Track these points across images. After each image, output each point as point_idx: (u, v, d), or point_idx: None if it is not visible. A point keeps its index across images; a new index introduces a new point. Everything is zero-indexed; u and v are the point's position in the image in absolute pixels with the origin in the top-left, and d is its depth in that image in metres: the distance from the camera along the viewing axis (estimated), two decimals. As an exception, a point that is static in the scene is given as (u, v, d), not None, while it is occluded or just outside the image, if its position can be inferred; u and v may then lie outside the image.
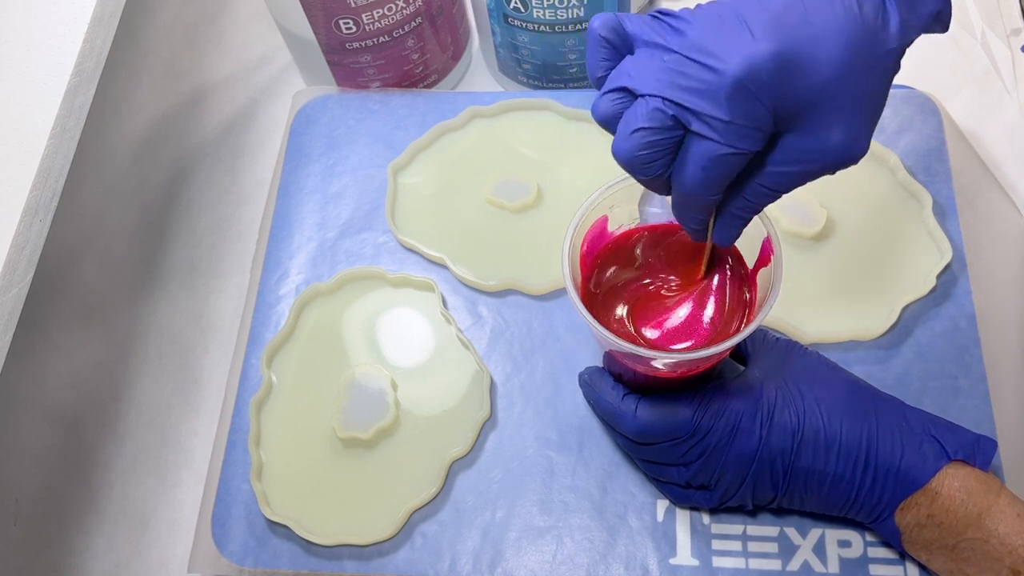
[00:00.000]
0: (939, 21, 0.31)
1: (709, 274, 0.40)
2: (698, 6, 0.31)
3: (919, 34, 0.31)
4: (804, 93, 0.29)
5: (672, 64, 0.29)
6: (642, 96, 0.29)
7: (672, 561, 0.44)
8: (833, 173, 0.31)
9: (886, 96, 0.31)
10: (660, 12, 0.31)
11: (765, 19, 0.28)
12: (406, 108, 0.59)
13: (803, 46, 0.28)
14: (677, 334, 0.40)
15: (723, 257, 0.41)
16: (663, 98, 0.29)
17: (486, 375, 0.48)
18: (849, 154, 0.30)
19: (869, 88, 0.30)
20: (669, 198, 0.34)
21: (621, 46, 0.31)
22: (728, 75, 0.28)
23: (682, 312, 0.41)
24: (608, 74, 0.31)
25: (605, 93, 0.31)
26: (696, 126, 0.29)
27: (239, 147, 0.63)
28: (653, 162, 0.30)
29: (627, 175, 0.34)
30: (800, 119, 0.30)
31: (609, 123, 0.31)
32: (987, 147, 0.56)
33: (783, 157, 0.30)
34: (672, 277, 0.42)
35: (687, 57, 0.29)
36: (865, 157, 0.53)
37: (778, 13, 0.29)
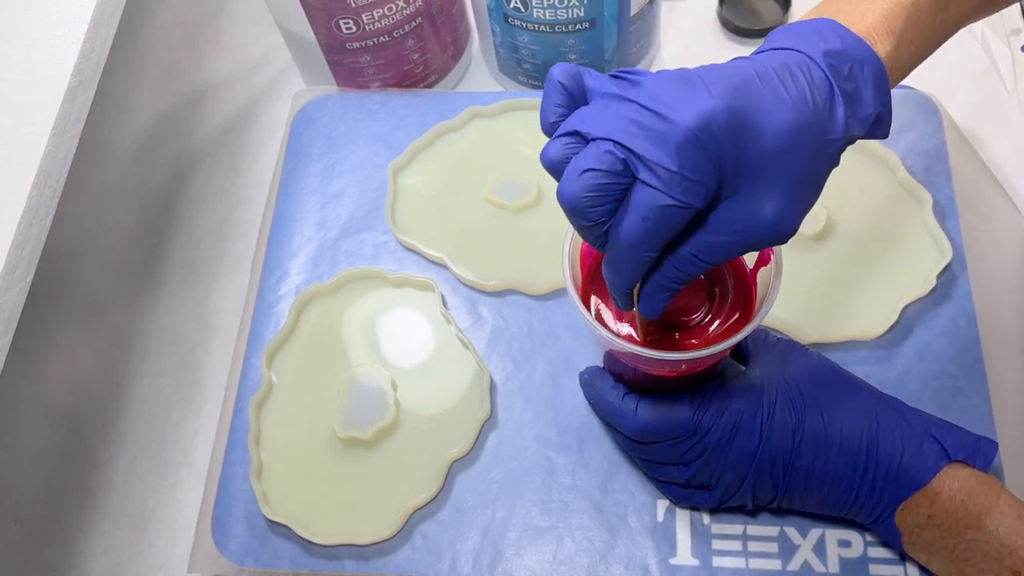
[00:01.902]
0: (879, 126, 0.33)
1: (648, 338, 0.39)
2: (659, 71, 0.31)
3: (862, 134, 0.32)
4: (750, 157, 0.29)
5: (627, 112, 0.29)
6: (594, 140, 0.29)
7: (672, 561, 0.44)
8: (757, 249, 0.32)
9: (820, 187, 0.32)
10: (621, 72, 0.31)
11: (723, 84, 0.29)
12: (406, 108, 0.59)
13: (756, 112, 0.29)
14: (677, 333, 0.40)
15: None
16: (615, 142, 0.29)
17: (486, 375, 0.48)
18: (778, 228, 0.30)
19: (809, 170, 0.31)
20: None
21: (578, 95, 0.32)
22: (681, 125, 0.28)
23: (682, 311, 0.41)
24: (561, 120, 0.31)
25: (557, 137, 0.31)
26: (643, 174, 0.29)
27: (239, 147, 0.63)
28: (597, 207, 0.30)
29: None
30: (739, 185, 0.30)
31: (556, 168, 0.31)
32: (987, 147, 0.56)
33: (716, 225, 0.30)
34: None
35: (642, 106, 0.29)
36: (865, 157, 0.54)
37: (736, 83, 0.29)
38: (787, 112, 0.30)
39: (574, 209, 0.30)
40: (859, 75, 0.32)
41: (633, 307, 0.35)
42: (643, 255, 0.30)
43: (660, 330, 0.40)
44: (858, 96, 0.32)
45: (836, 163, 0.32)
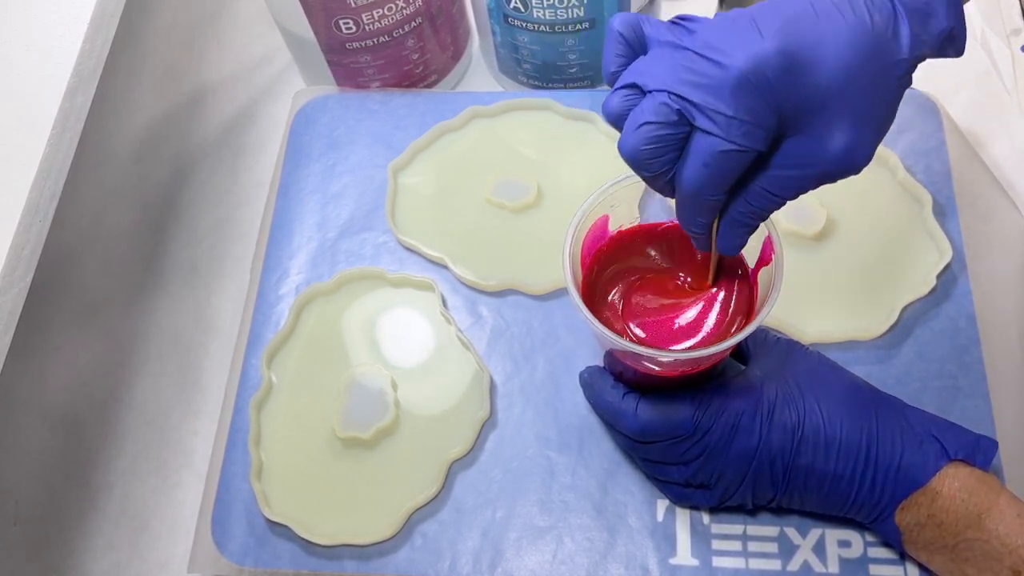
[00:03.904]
0: (952, 43, 0.31)
1: (717, 283, 0.40)
2: (718, 14, 0.31)
3: (933, 53, 0.31)
4: (809, 94, 0.29)
5: (682, 60, 0.29)
6: (650, 92, 0.30)
7: (672, 561, 0.44)
8: (834, 181, 0.31)
9: (895, 108, 0.31)
10: (680, 18, 0.31)
11: (775, 22, 0.29)
12: (406, 108, 0.59)
13: (810, 47, 0.29)
14: (677, 333, 0.40)
15: (726, 259, 0.41)
16: (669, 92, 0.29)
17: (486, 375, 0.48)
18: (850, 161, 0.30)
19: (876, 96, 0.30)
20: (669, 200, 0.34)
21: (637, 45, 0.32)
22: (733, 69, 0.28)
23: (682, 311, 0.41)
24: (621, 71, 0.31)
25: (617, 90, 0.31)
26: (700, 121, 0.29)
27: (239, 147, 0.63)
28: (657, 158, 0.30)
29: (627, 174, 0.34)
30: (803, 121, 0.30)
31: (618, 120, 0.31)
32: (987, 147, 0.56)
33: (784, 160, 0.30)
34: (673, 276, 0.42)
35: (696, 53, 0.29)
36: (865, 157, 0.54)
37: (789, 18, 0.29)
38: (844, 42, 0.29)
39: (635, 162, 0.31)
40: None
41: (710, 246, 0.35)
42: (709, 199, 0.31)
43: (643, 315, 0.40)
44: (929, 11, 0.30)
45: (908, 83, 0.31)
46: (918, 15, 0.30)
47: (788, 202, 0.32)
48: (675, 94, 0.29)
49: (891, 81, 0.30)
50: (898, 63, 0.30)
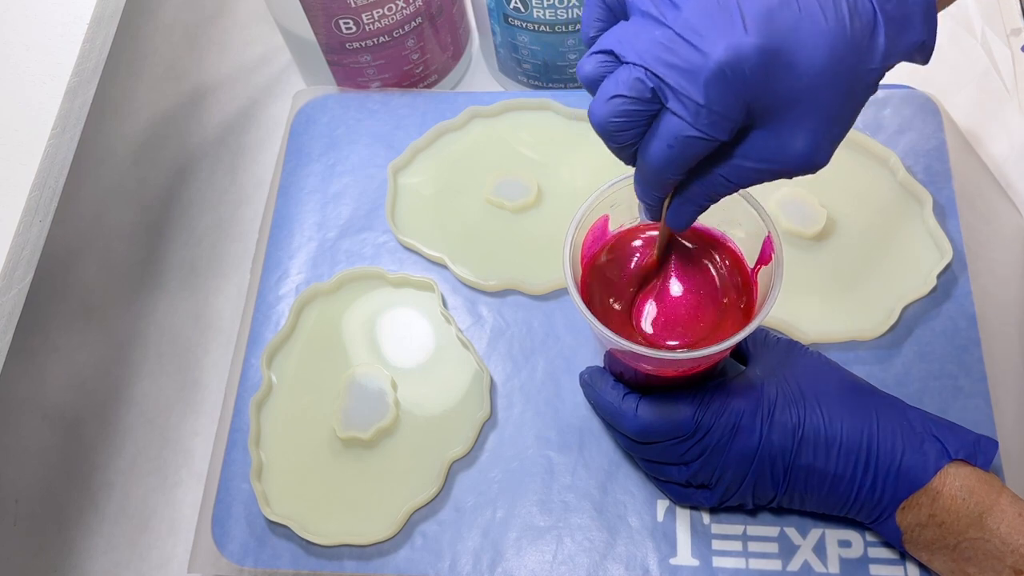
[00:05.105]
0: (921, 52, 0.32)
1: (664, 259, 0.40)
2: None
3: (900, 60, 0.31)
4: (780, 92, 0.29)
5: (661, 38, 0.29)
6: (626, 63, 0.30)
7: (672, 561, 0.44)
8: (791, 177, 0.31)
9: (856, 115, 0.31)
10: None
11: (759, 12, 0.29)
12: (406, 108, 0.59)
13: (789, 46, 0.29)
14: (678, 333, 0.40)
15: (721, 256, 0.41)
16: (646, 69, 0.29)
17: (486, 375, 0.48)
18: (811, 162, 0.31)
19: (844, 102, 0.30)
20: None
21: (618, 9, 0.32)
22: (712, 59, 0.28)
23: (683, 311, 0.41)
24: (599, 35, 0.32)
25: (593, 53, 0.31)
26: (672, 103, 0.29)
27: (239, 147, 0.63)
28: (625, 131, 0.31)
29: (627, 174, 0.34)
30: (771, 117, 0.30)
31: (592, 84, 0.31)
32: (987, 147, 0.56)
33: (747, 152, 0.31)
34: (673, 276, 0.42)
35: (677, 33, 0.29)
36: (865, 157, 0.54)
37: (772, 9, 0.29)
38: (823, 46, 0.29)
39: (603, 131, 0.31)
40: None
41: (660, 217, 0.35)
42: (669, 177, 0.31)
43: (644, 316, 0.41)
44: (906, 22, 0.30)
45: (874, 91, 0.31)
46: (895, 24, 0.30)
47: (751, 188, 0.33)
48: (651, 71, 0.29)
49: (860, 88, 0.31)
50: (870, 71, 0.30)
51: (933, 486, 0.38)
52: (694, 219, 0.34)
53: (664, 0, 0.30)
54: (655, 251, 0.40)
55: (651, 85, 0.29)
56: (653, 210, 0.35)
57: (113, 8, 0.49)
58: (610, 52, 0.30)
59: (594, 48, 0.31)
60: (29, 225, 0.42)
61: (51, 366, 0.55)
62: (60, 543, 0.49)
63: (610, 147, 0.32)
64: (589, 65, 0.31)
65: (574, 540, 0.44)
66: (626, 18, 0.31)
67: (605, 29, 0.32)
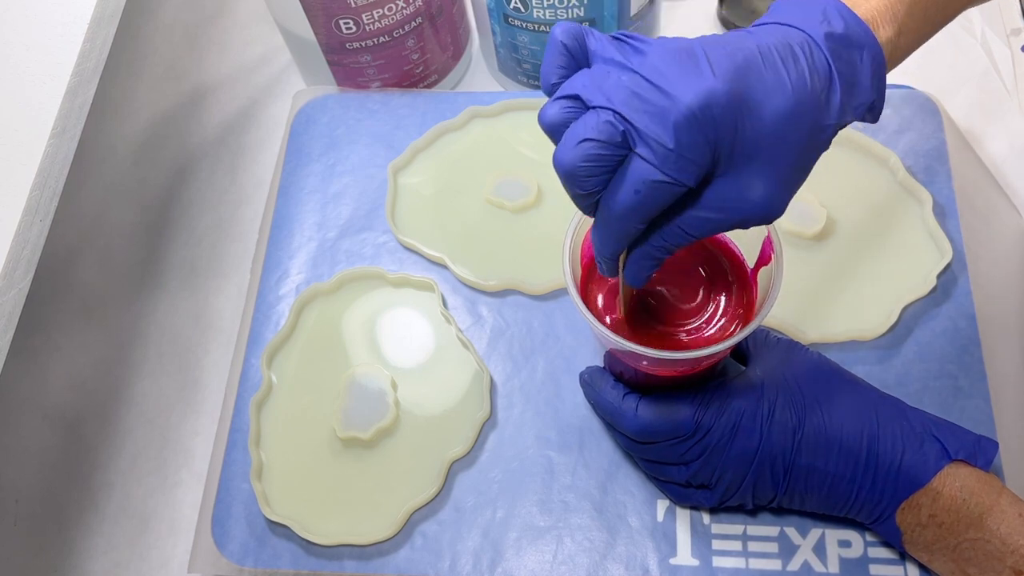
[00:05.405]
0: (871, 112, 0.33)
1: (630, 313, 0.40)
2: (661, 37, 0.31)
3: (852, 119, 0.32)
4: (745, 139, 0.29)
5: (629, 82, 0.29)
6: (594, 107, 0.29)
7: (672, 561, 0.44)
8: (746, 227, 0.32)
9: (810, 169, 0.32)
10: (624, 35, 0.31)
11: (726, 63, 0.29)
12: (406, 108, 0.59)
13: (756, 93, 0.29)
14: (678, 333, 0.40)
15: (722, 258, 0.41)
16: (615, 112, 0.29)
17: (486, 375, 0.48)
18: (768, 211, 0.31)
19: (801, 154, 0.31)
20: None
21: (580, 57, 0.31)
22: (682, 103, 0.28)
23: (683, 311, 0.41)
24: (562, 82, 0.31)
25: (557, 99, 0.31)
26: (640, 148, 0.29)
27: (239, 147, 0.63)
28: (592, 176, 0.30)
29: None
30: (732, 165, 0.30)
31: (555, 130, 0.31)
32: (987, 147, 0.56)
33: (708, 202, 0.31)
34: (672, 276, 0.42)
35: (645, 78, 0.29)
36: (865, 157, 0.54)
37: (739, 63, 0.29)
38: (786, 97, 0.30)
39: (570, 177, 0.30)
40: (858, 61, 0.32)
41: (618, 274, 0.35)
42: (632, 226, 0.31)
43: (643, 316, 0.40)
44: (856, 82, 0.32)
45: (827, 148, 0.32)
46: (847, 84, 0.31)
47: None
48: (620, 115, 0.29)
49: (817, 142, 0.31)
50: (825, 127, 0.31)
51: (933, 486, 0.38)
52: (651, 274, 0.34)
53: (629, 47, 0.30)
54: (621, 308, 0.40)
55: (621, 128, 0.29)
56: (611, 264, 0.34)
57: (113, 8, 0.49)
58: (575, 97, 0.30)
59: (558, 94, 0.31)
60: (29, 225, 0.42)
61: (51, 366, 0.55)
62: (60, 543, 0.49)
63: (573, 194, 0.31)
64: (552, 110, 0.30)
65: (574, 540, 0.44)
66: (588, 66, 0.31)
67: (567, 76, 0.31)
